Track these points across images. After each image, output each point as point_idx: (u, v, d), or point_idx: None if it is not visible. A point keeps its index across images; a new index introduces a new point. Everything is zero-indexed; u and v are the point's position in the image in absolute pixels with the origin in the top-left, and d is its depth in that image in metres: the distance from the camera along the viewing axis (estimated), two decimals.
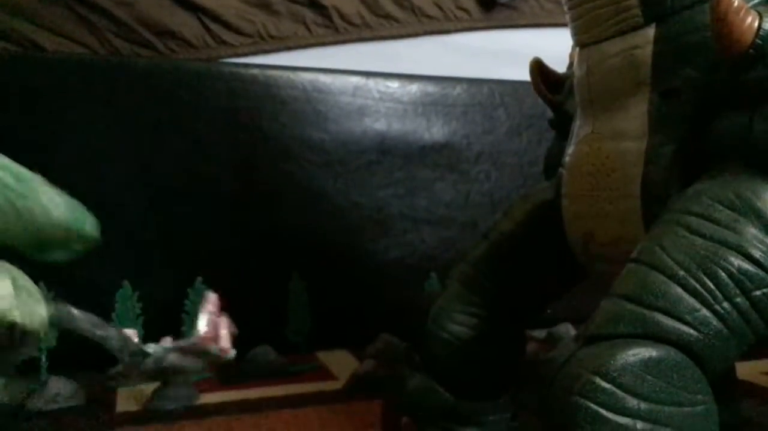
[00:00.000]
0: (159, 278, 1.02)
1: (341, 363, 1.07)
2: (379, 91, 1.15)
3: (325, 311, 1.11)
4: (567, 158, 0.68)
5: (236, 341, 0.89)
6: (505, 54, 1.21)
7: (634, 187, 0.60)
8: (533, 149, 1.21)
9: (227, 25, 1.09)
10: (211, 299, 0.85)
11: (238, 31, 1.09)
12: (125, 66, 1.03)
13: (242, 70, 1.09)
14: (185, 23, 1.07)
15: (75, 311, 0.77)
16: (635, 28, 0.60)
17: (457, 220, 1.19)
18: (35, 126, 0.98)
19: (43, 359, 0.93)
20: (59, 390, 0.88)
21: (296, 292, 1.08)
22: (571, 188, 0.67)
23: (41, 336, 0.69)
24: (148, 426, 0.82)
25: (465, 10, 1.23)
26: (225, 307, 0.88)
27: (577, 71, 0.67)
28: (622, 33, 0.61)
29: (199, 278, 1.01)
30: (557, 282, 0.75)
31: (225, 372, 1.01)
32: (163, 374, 0.86)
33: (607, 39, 0.63)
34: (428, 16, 1.21)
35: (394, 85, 1.17)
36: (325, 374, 1.03)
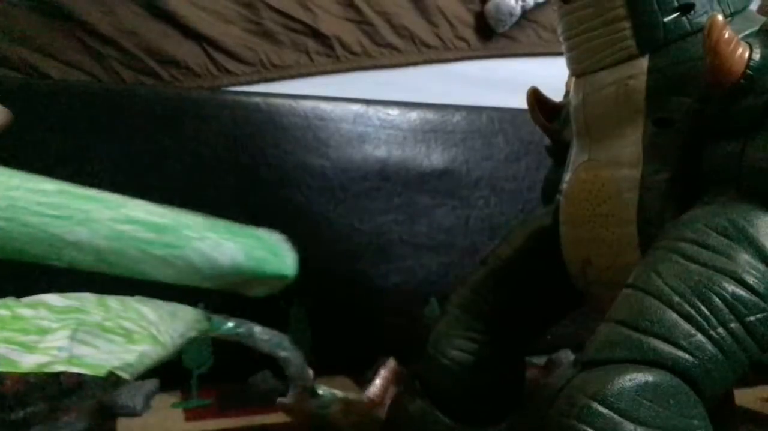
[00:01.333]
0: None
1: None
2: (379, 119, 1.17)
3: (325, 336, 1.11)
4: (564, 185, 0.69)
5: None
6: (503, 82, 1.24)
7: (630, 214, 0.61)
8: (531, 175, 1.23)
9: (230, 54, 1.11)
10: (390, 365, 0.82)
11: (240, 60, 1.11)
12: (129, 94, 1.05)
13: (244, 99, 1.10)
14: (189, 52, 1.09)
15: (257, 329, 0.74)
16: (629, 59, 0.62)
17: (456, 245, 1.20)
18: (38, 153, 1.00)
19: None
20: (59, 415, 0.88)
21: (297, 317, 1.08)
22: (568, 215, 0.68)
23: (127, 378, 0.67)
24: None
25: (464, 39, 1.25)
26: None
27: (573, 100, 0.69)
28: (617, 63, 0.63)
29: (201, 304, 1.01)
30: (556, 307, 0.76)
31: (224, 399, 1.01)
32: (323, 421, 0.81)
33: (602, 69, 0.64)
34: (428, 46, 1.23)
35: (394, 112, 1.18)
36: None
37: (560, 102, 0.79)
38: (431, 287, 1.17)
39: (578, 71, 0.67)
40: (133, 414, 0.95)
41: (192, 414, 0.96)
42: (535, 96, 0.78)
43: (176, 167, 1.06)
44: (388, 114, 1.18)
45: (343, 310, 1.13)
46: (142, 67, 1.07)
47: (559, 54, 0.71)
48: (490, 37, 1.28)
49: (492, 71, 1.26)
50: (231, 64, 1.11)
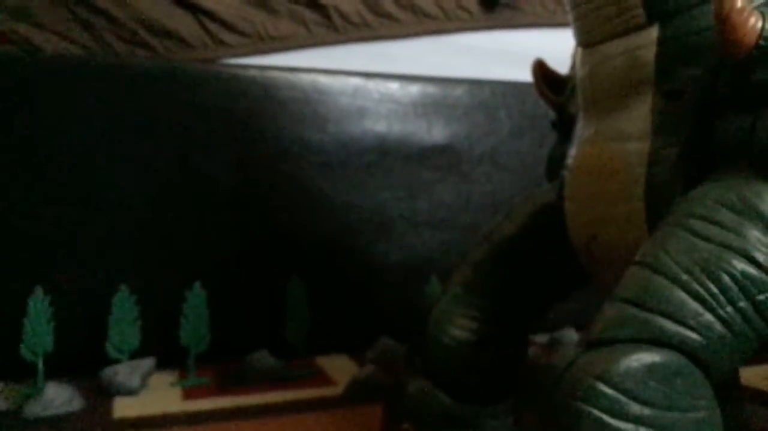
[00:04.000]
0: (157, 282, 1.01)
1: (340, 368, 1.06)
2: (379, 93, 1.14)
3: (324, 314, 1.10)
4: (569, 160, 0.67)
5: None
6: (507, 54, 1.21)
7: (637, 189, 0.60)
8: (535, 151, 1.21)
9: (226, 25, 1.08)
10: None
11: (236, 32, 1.09)
12: (122, 67, 1.03)
13: (240, 72, 1.08)
14: (183, 23, 1.06)
15: None
16: (638, 29, 0.60)
17: (458, 222, 1.18)
18: (31, 127, 0.98)
19: (40, 364, 0.92)
20: (56, 395, 0.87)
21: (295, 294, 1.07)
22: (574, 191, 0.66)
23: None
24: None
25: (466, 9, 1.22)
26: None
27: (580, 72, 0.67)
28: (625, 33, 0.60)
29: (198, 283, 1.00)
30: (560, 285, 0.74)
31: (222, 378, 1.00)
32: None
33: (609, 39, 0.62)
34: (429, 16, 1.20)
35: (394, 86, 1.16)
36: (325, 379, 1.02)
37: (566, 74, 0.76)
38: (432, 265, 1.15)
39: (585, 42, 0.65)
40: (129, 392, 0.94)
41: (190, 393, 0.95)
42: (541, 68, 0.76)
43: (170, 142, 1.03)
44: (388, 87, 1.15)
45: (342, 287, 1.12)
46: (135, 39, 1.04)
47: (565, 24, 0.69)
48: (493, 6, 1.24)
49: (495, 42, 1.23)
50: (226, 35, 1.08)
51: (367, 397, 0.91)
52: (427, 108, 1.17)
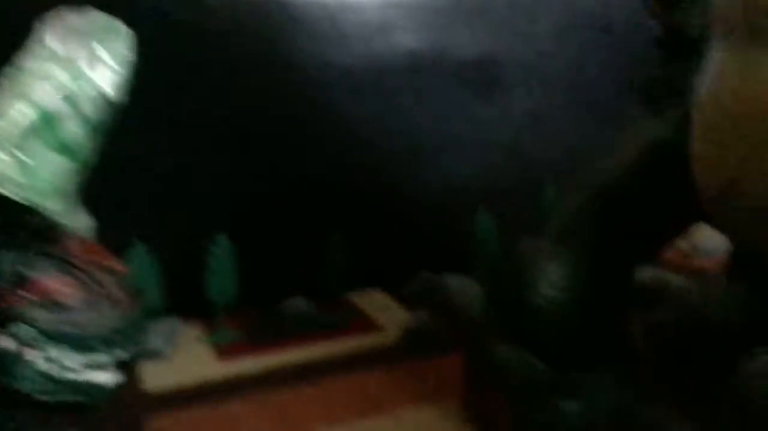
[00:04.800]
0: (177, 234, 0.89)
1: (381, 307, 0.98)
2: (407, 3, 0.99)
3: (360, 247, 1.00)
4: (701, 94, 0.57)
5: None
6: None
7: None
8: (579, 59, 1.09)
9: None
10: None
11: None
12: None
13: None
14: None
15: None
16: None
17: (499, 142, 1.07)
18: None
19: None
20: None
21: (332, 239, 0.98)
22: (708, 130, 0.56)
23: None
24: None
25: None
26: None
27: None
28: None
29: (222, 233, 0.89)
30: (670, 229, 0.66)
31: (254, 330, 0.91)
32: None
33: None
34: None
35: None
36: (367, 322, 0.94)
37: None
38: (474, 191, 1.05)
39: None
40: (158, 355, 0.84)
41: (224, 351, 0.86)
42: None
43: (181, 73, 0.87)
44: None
45: (379, 219, 1.01)
46: None
47: None
48: None
49: None
50: None
51: (426, 348, 0.83)
52: (460, 17, 1.02)
